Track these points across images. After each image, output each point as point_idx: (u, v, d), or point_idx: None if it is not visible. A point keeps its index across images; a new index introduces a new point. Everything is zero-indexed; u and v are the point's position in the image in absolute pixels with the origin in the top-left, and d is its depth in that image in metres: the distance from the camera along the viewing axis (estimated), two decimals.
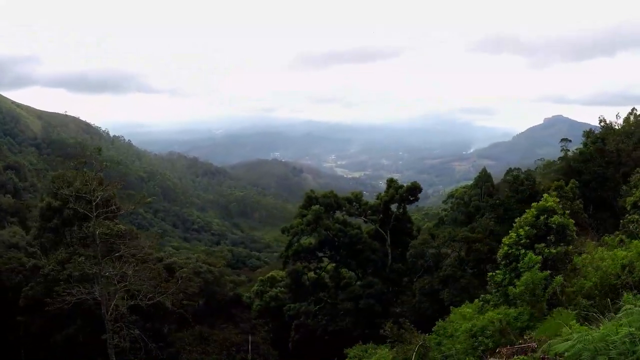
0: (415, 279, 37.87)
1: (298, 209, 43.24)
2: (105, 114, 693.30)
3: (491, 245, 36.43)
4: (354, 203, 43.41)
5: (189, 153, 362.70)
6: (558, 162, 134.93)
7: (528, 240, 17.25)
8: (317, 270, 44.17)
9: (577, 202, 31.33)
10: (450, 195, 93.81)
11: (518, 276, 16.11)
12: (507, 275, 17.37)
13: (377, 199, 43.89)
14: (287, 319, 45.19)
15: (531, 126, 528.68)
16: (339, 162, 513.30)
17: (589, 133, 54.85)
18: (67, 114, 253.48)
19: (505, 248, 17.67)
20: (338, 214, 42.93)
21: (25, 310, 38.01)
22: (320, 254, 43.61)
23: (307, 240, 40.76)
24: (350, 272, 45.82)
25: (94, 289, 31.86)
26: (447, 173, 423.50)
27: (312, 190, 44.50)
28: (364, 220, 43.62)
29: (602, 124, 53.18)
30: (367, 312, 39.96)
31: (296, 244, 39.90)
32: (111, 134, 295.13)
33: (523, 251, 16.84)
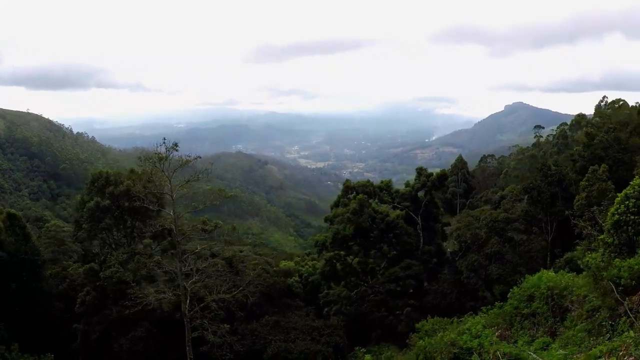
0: (457, 258, 40.74)
1: (338, 198, 45.19)
2: (65, 110, 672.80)
3: (525, 224, 39.91)
4: (384, 191, 45.76)
5: (150, 148, 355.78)
6: (531, 148, 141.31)
7: (635, 209, 20.75)
8: (347, 257, 46.33)
9: (609, 182, 34.82)
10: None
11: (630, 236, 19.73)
12: (615, 238, 20.96)
13: (407, 186, 46.35)
14: (321, 304, 47.27)
15: (492, 113, 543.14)
16: (302, 153, 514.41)
17: (587, 121, 59.32)
18: (29, 111, 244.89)
19: (617, 216, 21.11)
20: (371, 202, 45.11)
21: (82, 317, 37.38)
22: (351, 242, 45.66)
23: (347, 229, 42.68)
24: (369, 258, 48.24)
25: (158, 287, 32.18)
26: (410, 161, 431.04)
27: (348, 180, 46.55)
28: (393, 207, 45.99)
29: (598, 117, 57.20)
30: (405, 292, 42.65)
31: (342, 232, 41.83)
32: (74, 131, 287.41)
33: (633, 217, 20.42)
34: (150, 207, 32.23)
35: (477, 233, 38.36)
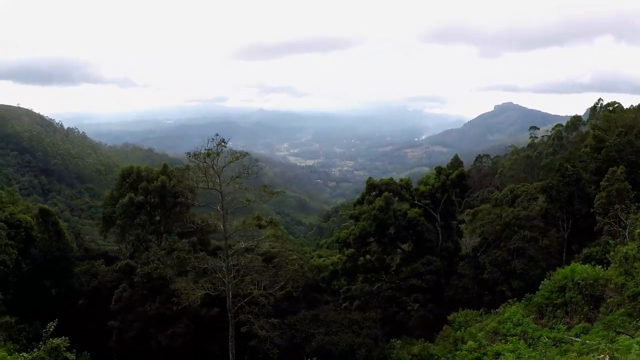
0: (479, 254, 42.38)
1: (362, 195, 46.50)
2: (54, 105, 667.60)
3: (543, 221, 41.79)
4: (404, 189, 47.21)
5: (140, 144, 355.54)
6: (526, 148, 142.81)
7: None
8: (366, 254, 47.73)
9: (625, 183, 36.72)
10: (421, 183, 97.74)
11: None
12: None
13: (426, 185, 47.79)
14: (341, 299, 48.61)
15: (482, 113, 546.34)
16: (291, 151, 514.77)
17: (594, 124, 61.66)
18: (20, 106, 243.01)
19: None
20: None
21: (117, 314, 37.16)
22: (371, 239, 46.96)
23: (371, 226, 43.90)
24: (385, 255, 49.62)
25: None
26: (399, 160, 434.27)
27: (371, 178, 47.83)
28: (412, 205, 47.40)
29: (606, 120, 59.20)
30: (421, 288, 44.25)
31: (368, 229, 43.10)
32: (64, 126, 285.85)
33: None
34: (195, 203, 32.80)
35: (498, 230, 40.10)
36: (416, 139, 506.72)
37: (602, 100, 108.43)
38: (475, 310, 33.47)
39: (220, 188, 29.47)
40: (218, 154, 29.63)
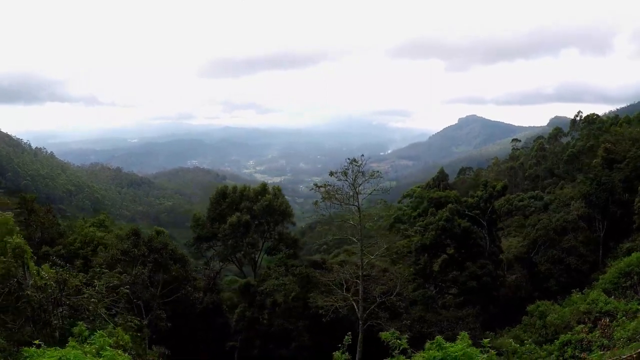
0: (532, 254, 48.21)
1: (424, 208, 51.70)
2: (17, 124, 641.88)
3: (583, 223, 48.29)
4: (456, 202, 52.78)
5: (106, 163, 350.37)
6: (508, 160, 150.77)
7: None
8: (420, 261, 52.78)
9: None
10: (406, 195, 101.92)
11: None
12: None
13: (472, 197, 53.54)
14: (409, 304, 53.29)
15: (446, 126, 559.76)
16: (257, 168, 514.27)
17: (604, 139, 69.25)
18: None
19: None
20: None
21: (238, 333, 38.22)
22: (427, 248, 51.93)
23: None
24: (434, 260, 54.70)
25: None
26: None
27: (429, 192, 53.28)
28: (462, 215, 52.84)
29: (612, 134, 66.89)
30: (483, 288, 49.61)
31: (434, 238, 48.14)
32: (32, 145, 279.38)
33: None
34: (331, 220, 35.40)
35: (551, 232, 46.19)
36: (382, 153, 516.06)
37: (582, 112, 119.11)
38: (546, 301, 38.84)
39: (359, 204, 32.69)
40: (361, 173, 32.22)
